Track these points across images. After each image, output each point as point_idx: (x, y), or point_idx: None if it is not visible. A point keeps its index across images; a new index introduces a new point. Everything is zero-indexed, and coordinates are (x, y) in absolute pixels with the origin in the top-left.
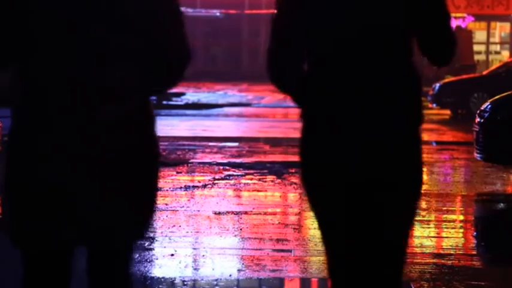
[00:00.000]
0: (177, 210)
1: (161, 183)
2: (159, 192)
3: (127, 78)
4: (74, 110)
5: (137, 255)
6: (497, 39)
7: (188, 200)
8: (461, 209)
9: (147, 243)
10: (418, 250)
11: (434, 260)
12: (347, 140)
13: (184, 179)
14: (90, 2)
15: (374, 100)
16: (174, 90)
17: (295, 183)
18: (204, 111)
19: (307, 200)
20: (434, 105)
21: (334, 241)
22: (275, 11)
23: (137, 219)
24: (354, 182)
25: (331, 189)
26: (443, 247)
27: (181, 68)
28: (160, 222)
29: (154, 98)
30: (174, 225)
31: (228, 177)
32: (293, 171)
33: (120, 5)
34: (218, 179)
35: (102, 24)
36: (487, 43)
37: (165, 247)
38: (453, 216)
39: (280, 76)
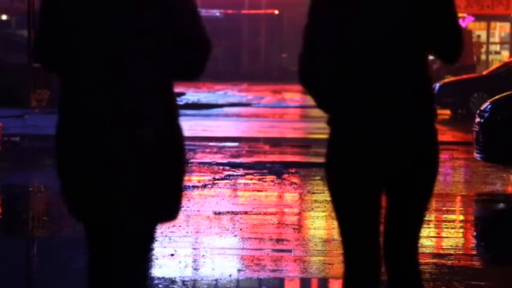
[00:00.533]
0: None
1: None
2: None
3: (152, 73)
4: (108, 104)
5: None
6: (497, 39)
7: (188, 200)
8: (461, 209)
9: None
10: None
11: (434, 260)
12: (376, 136)
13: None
14: (114, 10)
15: (398, 100)
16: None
17: (295, 183)
18: (204, 111)
19: (332, 197)
20: None
21: (359, 217)
22: (307, 19)
23: (166, 202)
24: (387, 173)
25: (365, 182)
26: (443, 247)
27: (203, 59)
28: None
29: None
30: (174, 225)
31: (228, 177)
32: (293, 171)
33: (142, 11)
34: (218, 179)
35: (128, 27)
36: (487, 43)
37: (165, 247)
38: (453, 216)
39: (312, 80)
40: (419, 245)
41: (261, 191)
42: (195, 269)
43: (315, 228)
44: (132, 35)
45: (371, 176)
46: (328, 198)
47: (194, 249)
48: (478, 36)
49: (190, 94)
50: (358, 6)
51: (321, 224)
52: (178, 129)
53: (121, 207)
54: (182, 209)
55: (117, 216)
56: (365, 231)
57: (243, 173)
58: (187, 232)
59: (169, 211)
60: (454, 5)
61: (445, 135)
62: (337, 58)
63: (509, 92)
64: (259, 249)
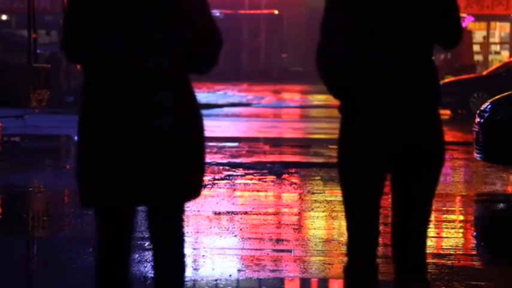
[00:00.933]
0: None
1: None
2: None
3: (172, 64)
4: (131, 96)
5: (137, 255)
6: (497, 39)
7: None
8: (461, 209)
9: (147, 243)
10: None
11: (434, 260)
12: (384, 124)
13: None
14: (135, 9)
15: (406, 90)
16: None
17: (295, 183)
18: (204, 111)
19: (342, 178)
20: None
21: (363, 201)
22: (324, 13)
23: (190, 181)
24: (395, 153)
25: (371, 165)
26: (443, 247)
27: (216, 52)
28: None
29: None
30: None
31: (228, 177)
32: (293, 171)
33: (160, 9)
34: (218, 179)
35: (148, 25)
36: (487, 43)
37: None
38: (453, 216)
39: (328, 68)
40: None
41: (261, 191)
42: (195, 269)
43: (315, 228)
44: (152, 32)
45: (377, 160)
46: (329, 199)
47: (194, 249)
48: (484, 37)
49: None
50: (370, 1)
51: (321, 224)
52: (198, 115)
53: (152, 189)
54: None
55: (147, 196)
56: (367, 208)
57: (243, 173)
58: (187, 232)
59: (194, 190)
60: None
61: (445, 135)
62: (350, 49)
63: (509, 92)
64: (259, 249)
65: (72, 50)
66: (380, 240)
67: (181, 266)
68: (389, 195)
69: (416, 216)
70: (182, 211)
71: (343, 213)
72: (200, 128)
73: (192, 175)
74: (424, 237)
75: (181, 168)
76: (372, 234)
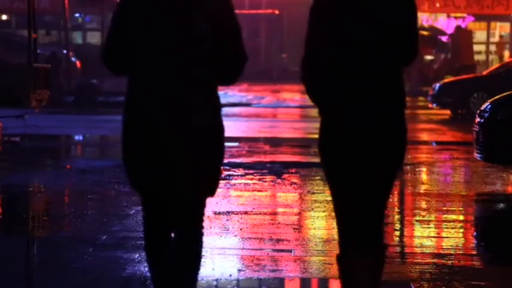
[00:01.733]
0: None
1: None
2: None
3: (203, 75)
4: (168, 101)
5: (137, 255)
6: (497, 39)
7: None
8: (461, 209)
9: None
10: (418, 250)
11: (434, 260)
12: (356, 125)
13: None
14: (175, 24)
15: (374, 99)
16: None
17: (295, 183)
18: None
19: (325, 171)
20: (434, 105)
21: (346, 193)
22: (308, 30)
23: (213, 178)
24: (365, 150)
25: (349, 155)
26: (443, 247)
27: (241, 67)
28: None
29: None
30: None
31: (228, 177)
32: (293, 171)
33: (198, 26)
34: None
35: (186, 39)
36: (487, 43)
37: None
38: (453, 216)
39: (311, 79)
40: (417, 249)
41: (261, 191)
42: None
43: (315, 228)
44: (189, 45)
45: (351, 154)
46: (328, 199)
47: None
48: (501, 36)
49: None
50: (345, 23)
51: (321, 224)
52: (220, 121)
53: (179, 183)
54: None
55: (174, 189)
56: (354, 203)
57: (243, 173)
58: None
59: (212, 188)
60: (415, 18)
61: (445, 135)
62: (330, 60)
63: (509, 92)
64: (259, 249)
65: (113, 58)
66: None
67: (200, 247)
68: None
69: (380, 198)
70: (204, 203)
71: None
72: (221, 126)
73: (214, 171)
74: (382, 215)
75: (207, 163)
76: (358, 214)
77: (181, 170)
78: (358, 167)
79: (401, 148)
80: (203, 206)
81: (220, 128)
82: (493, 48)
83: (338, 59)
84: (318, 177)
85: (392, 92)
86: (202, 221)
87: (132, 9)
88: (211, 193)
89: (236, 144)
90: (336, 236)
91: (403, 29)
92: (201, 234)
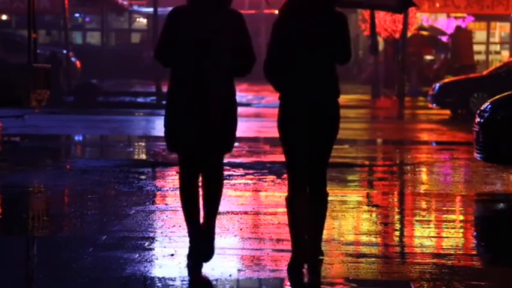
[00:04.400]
0: (177, 210)
1: (161, 183)
2: (159, 192)
3: (225, 72)
4: (201, 88)
5: (137, 255)
6: (497, 39)
7: None
8: (461, 209)
9: (147, 243)
10: (418, 250)
11: (434, 260)
12: (304, 104)
13: None
14: (208, 33)
15: (316, 85)
16: None
17: None
18: None
19: (280, 135)
20: (434, 105)
21: (295, 155)
22: (270, 39)
23: (230, 140)
24: (310, 122)
25: (298, 125)
26: (443, 247)
27: (251, 66)
28: (160, 222)
29: (154, 98)
30: (174, 225)
31: (228, 177)
32: None
33: (223, 37)
34: None
35: (217, 45)
36: (487, 43)
37: (165, 247)
38: (453, 216)
39: (272, 74)
40: (417, 249)
41: (261, 191)
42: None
43: None
44: (217, 50)
45: (300, 128)
46: (328, 199)
47: None
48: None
49: None
50: (296, 35)
51: None
52: (235, 102)
53: (211, 144)
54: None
55: (204, 148)
56: (299, 160)
57: (243, 173)
58: (187, 232)
59: (230, 145)
60: (348, 36)
61: (445, 135)
62: (286, 61)
63: (509, 92)
64: (259, 249)
65: (163, 56)
66: (380, 240)
67: (221, 185)
68: (389, 196)
69: (321, 166)
70: (223, 157)
71: (343, 213)
72: (235, 110)
73: (231, 135)
74: (325, 170)
75: (226, 130)
76: (303, 174)
77: (209, 132)
78: (305, 131)
79: (335, 117)
80: (223, 156)
81: (234, 104)
82: (493, 48)
83: (290, 60)
84: None
85: (328, 81)
86: (223, 164)
87: (178, 26)
88: (230, 149)
89: (236, 144)
90: (336, 236)
91: (336, 43)
92: (222, 173)
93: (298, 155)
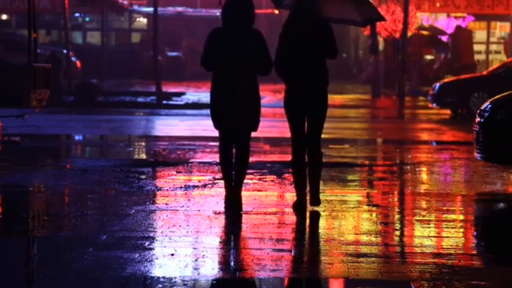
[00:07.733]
0: (177, 210)
1: (161, 183)
2: (159, 192)
3: (250, 72)
4: (231, 83)
5: (137, 255)
6: (497, 39)
7: (188, 200)
8: (461, 209)
9: (147, 243)
10: (418, 250)
11: (434, 260)
12: (302, 90)
13: (184, 178)
14: (239, 44)
15: (311, 76)
16: (174, 90)
17: None
18: (204, 111)
19: (286, 112)
20: (434, 105)
21: (296, 125)
22: (279, 43)
23: (255, 122)
24: (307, 104)
25: (298, 105)
26: (443, 247)
27: (269, 68)
28: (160, 222)
29: (154, 98)
30: (174, 225)
31: None
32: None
33: (248, 48)
34: (218, 179)
35: (244, 54)
36: (487, 43)
37: (165, 247)
38: (453, 216)
39: (281, 71)
40: (417, 249)
41: (261, 191)
42: (195, 268)
43: (315, 228)
44: (246, 56)
45: (300, 106)
46: (328, 198)
47: (194, 249)
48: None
49: (190, 94)
50: (296, 41)
51: (321, 223)
52: (259, 94)
53: (240, 123)
54: (182, 208)
55: (237, 127)
56: (299, 129)
57: None
58: (187, 232)
59: (256, 125)
60: (333, 38)
61: (445, 134)
62: (290, 58)
63: (509, 92)
64: (259, 249)
65: (207, 64)
66: (380, 240)
67: (248, 155)
68: (389, 196)
69: (317, 132)
70: (250, 135)
71: (343, 213)
72: (259, 100)
73: (255, 119)
74: (319, 142)
75: (252, 114)
76: (302, 139)
77: (240, 115)
78: (304, 107)
79: (324, 97)
80: (250, 133)
81: (258, 96)
82: (493, 48)
83: (293, 58)
84: None
85: (320, 73)
86: (250, 140)
87: (215, 41)
88: (255, 129)
89: None
90: (336, 236)
91: (325, 44)
92: (249, 146)
93: (298, 124)
